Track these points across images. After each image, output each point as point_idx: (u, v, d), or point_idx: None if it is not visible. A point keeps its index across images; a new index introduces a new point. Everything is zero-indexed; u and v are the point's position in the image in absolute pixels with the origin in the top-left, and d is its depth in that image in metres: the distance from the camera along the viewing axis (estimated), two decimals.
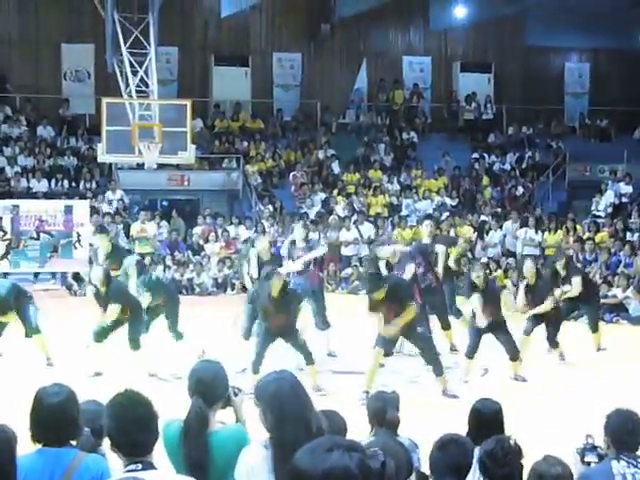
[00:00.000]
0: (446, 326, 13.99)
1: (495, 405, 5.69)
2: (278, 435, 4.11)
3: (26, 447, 4.39)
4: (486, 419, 5.55)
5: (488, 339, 12.36)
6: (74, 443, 4.49)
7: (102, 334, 12.40)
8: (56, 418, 4.32)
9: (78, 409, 4.47)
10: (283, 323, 11.37)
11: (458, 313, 14.42)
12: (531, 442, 5.28)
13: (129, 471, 3.92)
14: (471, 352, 12.27)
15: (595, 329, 14.86)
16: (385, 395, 6.08)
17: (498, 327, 12.24)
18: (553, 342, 13.58)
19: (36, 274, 21.77)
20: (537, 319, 13.38)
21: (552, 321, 13.41)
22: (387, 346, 11.46)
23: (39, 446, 4.36)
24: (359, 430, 5.75)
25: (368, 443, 3.71)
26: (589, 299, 14.83)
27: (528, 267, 13.34)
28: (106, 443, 4.31)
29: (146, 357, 12.40)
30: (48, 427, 4.33)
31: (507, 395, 9.33)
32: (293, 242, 14.00)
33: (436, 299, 13.72)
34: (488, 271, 21.19)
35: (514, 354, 12.29)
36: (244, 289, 14.98)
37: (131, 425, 3.99)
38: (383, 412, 5.86)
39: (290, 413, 4.08)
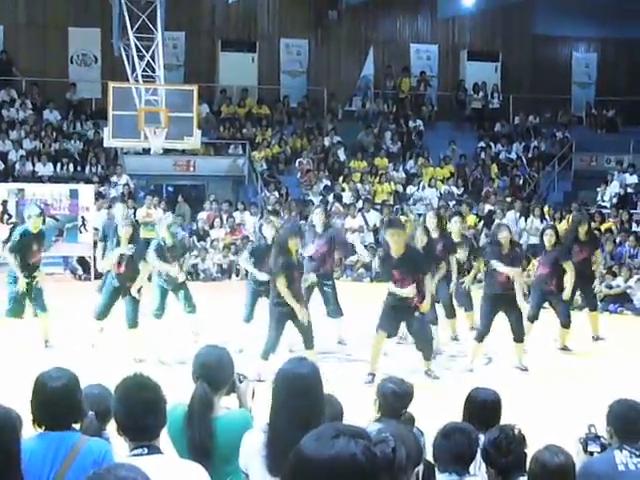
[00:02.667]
0: (451, 315, 14.01)
1: (491, 394, 5.67)
2: (273, 421, 4.15)
3: (29, 431, 4.41)
4: (480, 407, 5.55)
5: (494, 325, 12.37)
6: (77, 427, 4.50)
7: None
8: (58, 402, 4.33)
9: (80, 393, 4.49)
10: (299, 291, 11.30)
11: (469, 305, 14.41)
12: (534, 431, 5.28)
13: (135, 455, 3.94)
14: (481, 335, 12.28)
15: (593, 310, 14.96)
16: (405, 387, 6.00)
17: (512, 301, 12.23)
18: (567, 320, 13.63)
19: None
20: (540, 302, 13.52)
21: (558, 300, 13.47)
22: (390, 328, 11.52)
23: (41, 430, 4.37)
24: (365, 417, 5.77)
25: (379, 429, 3.71)
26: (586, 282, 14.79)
27: (504, 235, 13.36)
28: (112, 426, 4.33)
29: (140, 339, 12.48)
30: (50, 411, 4.34)
31: (510, 384, 9.37)
32: (312, 226, 13.91)
33: (441, 288, 13.71)
34: None
35: (520, 335, 12.31)
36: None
37: (138, 409, 4.00)
38: (401, 408, 5.84)
39: (292, 403, 4.10)
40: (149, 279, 13.18)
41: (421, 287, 11.33)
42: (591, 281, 15.12)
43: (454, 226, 14.51)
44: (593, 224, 22.26)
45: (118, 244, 12.66)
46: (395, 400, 5.84)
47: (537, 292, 13.82)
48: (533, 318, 13.52)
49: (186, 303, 13.36)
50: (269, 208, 22.48)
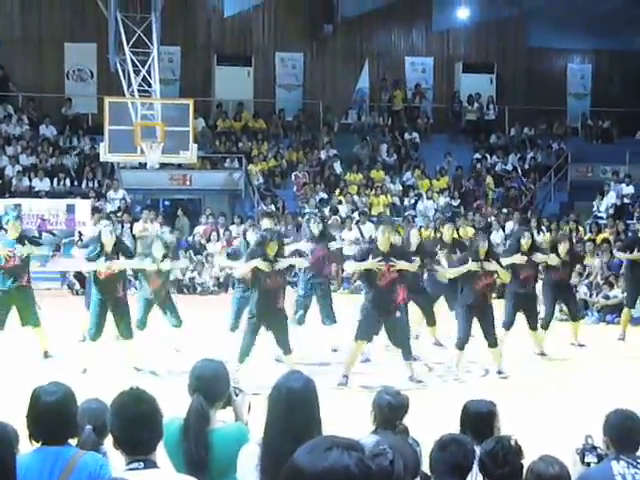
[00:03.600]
0: (431, 322, 14.18)
1: (486, 406, 5.67)
2: (267, 434, 4.15)
3: (26, 446, 4.41)
4: (475, 418, 5.54)
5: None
6: (74, 442, 4.50)
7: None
8: (53, 417, 4.33)
9: (76, 408, 4.49)
10: (277, 286, 11.36)
11: None
12: (530, 442, 5.28)
13: (131, 469, 3.94)
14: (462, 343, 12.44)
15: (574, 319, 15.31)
16: (401, 399, 6.01)
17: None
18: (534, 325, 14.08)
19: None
20: (515, 309, 13.86)
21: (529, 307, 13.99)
22: (370, 335, 11.86)
23: (37, 445, 4.37)
24: (360, 428, 5.77)
25: (377, 441, 3.71)
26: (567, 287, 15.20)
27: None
28: (109, 441, 4.33)
29: (136, 349, 12.48)
30: (46, 426, 4.34)
31: (506, 395, 9.36)
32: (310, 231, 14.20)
33: (422, 296, 13.88)
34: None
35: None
36: None
37: (134, 423, 4.00)
38: (396, 419, 5.85)
39: (286, 417, 4.10)
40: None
41: (404, 281, 11.88)
42: (571, 293, 15.62)
43: (446, 232, 14.77)
44: (589, 235, 22.40)
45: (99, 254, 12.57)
46: (390, 412, 5.84)
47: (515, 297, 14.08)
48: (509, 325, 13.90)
49: (172, 317, 13.29)
50: (262, 210, 22.47)
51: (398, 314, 11.69)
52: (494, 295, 13.43)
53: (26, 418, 4.36)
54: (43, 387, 4.45)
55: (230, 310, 13.25)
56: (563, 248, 14.76)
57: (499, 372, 12.58)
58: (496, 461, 4.61)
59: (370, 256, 11.71)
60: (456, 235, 15.31)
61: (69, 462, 4.26)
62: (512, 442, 4.70)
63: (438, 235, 14.85)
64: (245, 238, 13.44)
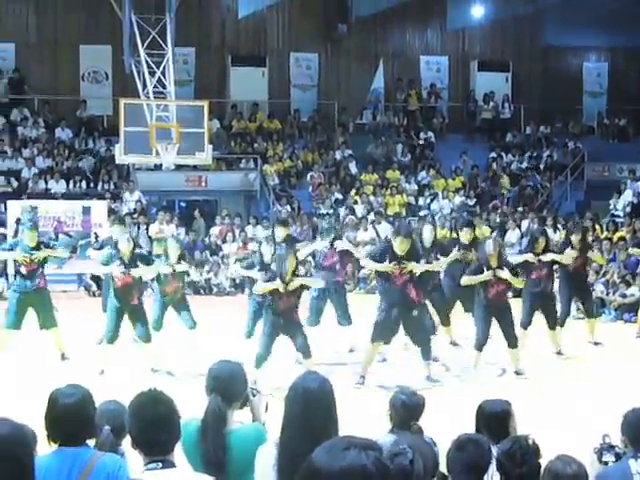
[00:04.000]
0: (446, 322, 14.21)
1: (500, 405, 5.66)
2: (284, 435, 4.16)
3: (44, 447, 4.43)
4: (490, 419, 5.53)
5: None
6: (92, 443, 4.52)
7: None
8: (71, 419, 4.35)
9: (94, 409, 4.51)
10: (290, 305, 11.39)
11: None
12: (547, 441, 5.27)
13: (149, 470, 3.96)
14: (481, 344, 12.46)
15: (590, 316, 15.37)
16: (416, 400, 6.02)
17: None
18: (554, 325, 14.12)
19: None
20: (532, 309, 13.88)
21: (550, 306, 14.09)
22: (387, 336, 11.95)
23: (55, 446, 4.39)
24: (378, 428, 5.77)
25: (394, 441, 3.71)
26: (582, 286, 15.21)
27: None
28: (127, 442, 4.34)
29: (153, 351, 12.53)
30: (64, 428, 4.36)
31: (523, 395, 9.34)
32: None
33: (437, 294, 13.94)
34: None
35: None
36: None
37: (152, 424, 4.02)
38: (410, 419, 5.85)
39: (303, 417, 4.11)
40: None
41: (418, 282, 11.91)
42: (587, 288, 15.56)
43: (464, 236, 14.69)
44: (606, 233, 22.35)
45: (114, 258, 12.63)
46: (404, 412, 5.85)
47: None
48: (527, 324, 13.92)
49: (187, 319, 13.32)
50: (277, 217, 22.50)
51: (415, 313, 11.72)
52: (510, 294, 13.38)
53: (44, 420, 4.38)
54: (61, 389, 4.47)
55: (247, 316, 13.26)
56: (575, 238, 14.86)
57: (517, 372, 12.56)
58: (514, 461, 4.60)
59: (386, 257, 11.74)
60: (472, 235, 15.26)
61: (87, 463, 4.28)
62: (529, 442, 4.69)
63: (455, 235, 14.79)
64: (260, 249, 13.44)
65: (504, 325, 12.45)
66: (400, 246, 11.64)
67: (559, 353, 14.09)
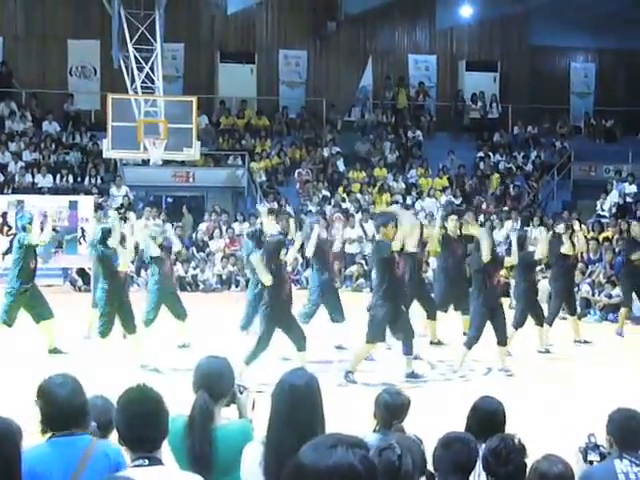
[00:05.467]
0: (432, 316, 14.25)
1: (496, 404, 5.67)
2: (271, 432, 4.16)
3: (35, 439, 4.42)
4: (485, 417, 5.54)
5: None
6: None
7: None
8: (66, 407, 4.35)
9: (85, 398, 4.50)
10: (290, 294, 11.51)
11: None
12: (533, 441, 5.28)
13: (136, 466, 3.95)
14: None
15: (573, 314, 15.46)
16: (400, 399, 6.03)
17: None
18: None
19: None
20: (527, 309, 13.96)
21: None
22: (383, 335, 11.89)
23: (48, 436, 4.38)
24: (364, 426, 5.78)
25: (385, 437, 3.72)
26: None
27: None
28: (113, 437, 4.34)
29: (142, 346, 12.55)
30: (59, 417, 4.35)
31: (509, 393, 9.36)
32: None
33: (424, 288, 14.17)
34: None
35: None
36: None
37: (140, 420, 4.01)
38: (392, 419, 5.86)
39: (289, 414, 4.10)
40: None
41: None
42: (573, 287, 15.67)
43: (450, 224, 14.73)
44: (592, 233, 22.41)
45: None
46: (387, 412, 5.87)
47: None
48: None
49: (177, 310, 13.46)
50: (266, 207, 22.48)
51: (404, 307, 11.86)
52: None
53: (39, 411, 4.36)
54: (51, 379, 4.46)
55: (245, 307, 13.33)
56: (565, 238, 14.94)
57: (504, 370, 12.58)
58: (500, 459, 4.61)
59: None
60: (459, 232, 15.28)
61: (86, 451, 4.28)
62: (516, 441, 4.70)
63: (443, 231, 14.74)
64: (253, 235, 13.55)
65: (497, 323, 12.45)
66: (399, 235, 11.57)
67: (546, 351, 14.14)
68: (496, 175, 28.46)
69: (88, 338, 13.84)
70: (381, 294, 11.67)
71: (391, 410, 5.90)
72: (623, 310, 16.57)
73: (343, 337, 13.74)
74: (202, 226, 24.41)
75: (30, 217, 13.83)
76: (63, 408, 4.35)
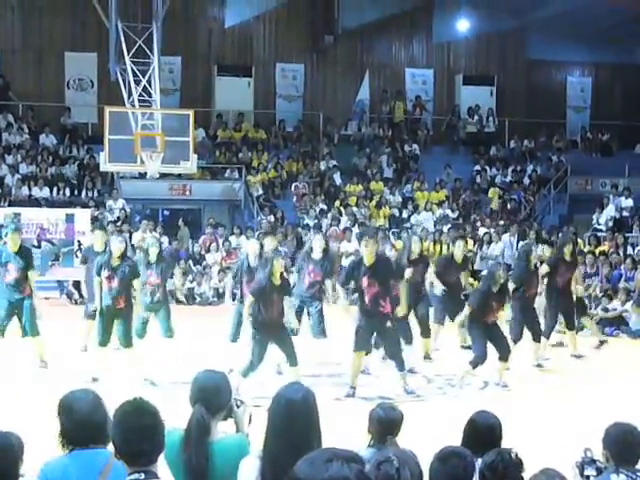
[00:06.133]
0: (426, 333, 14.20)
1: (492, 418, 5.66)
2: (267, 446, 4.14)
3: (55, 452, 4.41)
4: (482, 432, 5.52)
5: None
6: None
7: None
8: (88, 422, 4.33)
9: (106, 412, 4.48)
10: (279, 312, 11.42)
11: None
12: (530, 455, 5.27)
13: None
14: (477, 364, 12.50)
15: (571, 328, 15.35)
16: (393, 414, 6.03)
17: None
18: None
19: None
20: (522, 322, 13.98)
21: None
22: (367, 345, 11.94)
23: (66, 451, 4.36)
24: (359, 441, 5.77)
25: (383, 451, 3.71)
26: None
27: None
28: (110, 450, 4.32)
29: (141, 357, 12.51)
30: (80, 431, 4.33)
31: (505, 408, 9.34)
32: (308, 253, 13.66)
33: (422, 305, 14.05)
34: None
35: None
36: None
37: (136, 434, 3.99)
38: (386, 434, 5.87)
39: (286, 428, 4.09)
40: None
41: (389, 293, 11.78)
42: (571, 301, 15.42)
43: (457, 249, 14.81)
44: (588, 247, 22.42)
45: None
46: (380, 426, 5.87)
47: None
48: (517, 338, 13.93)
49: (165, 327, 13.34)
50: (263, 229, 22.54)
51: (389, 324, 11.72)
52: None
53: (60, 426, 4.34)
54: (73, 394, 4.45)
55: (231, 320, 13.25)
56: (568, 250, 14.92)
57: (501, 384, 12.57)
58: (496, 474, 4.60)
59: (356, 271, 11.81)
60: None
61: (106, 465, 4.26)
62: (513, 455, 4.69)
63: (450, 250, 14.86)
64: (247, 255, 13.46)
65: (498, 338, 12.45)
66: (367, 254, 11.59)
67: (539, 366, 14.14)
68: (494, 190, 28.48)
69: (84, 350, 13.85)
70: (359, 312, 11.85)
71: (385, 425, 5.91)
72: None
73: (327, 353, 13.66)
74: (201, 240, 24.35)
75: (13, 228, 13.75)
76: (84, 423, 4.33)
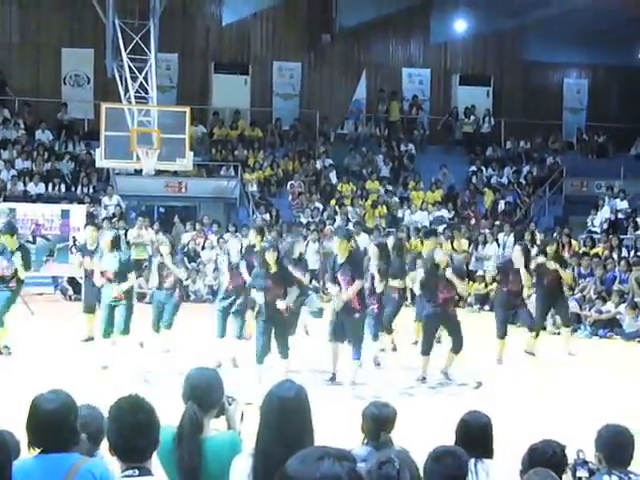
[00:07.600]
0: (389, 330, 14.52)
1: (484, 418, 5.66)
2: (259, 443, 4.14)
3: (25, 453, 4.39)
4: (474, 431, 5.53)
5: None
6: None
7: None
8: (53, 425, 4.29)
9: (76, 416, 4.45)
10: (280, 296, 11.62)
11: None
12: (522, 455, 5.28)
13: (126, 476, 3.93)
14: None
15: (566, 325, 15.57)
16: (386, 412, 6.05)
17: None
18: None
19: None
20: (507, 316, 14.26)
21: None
22: (340, 335, 12.33)
23: (36, 452, 4.34)
24: (351, 439, 5.77)
25: (384, 451, 3.72)
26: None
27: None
28: (105, 447, 4.31)
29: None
30: (45, 434, 4.30)
31: (497, 409, 9.34)
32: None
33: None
34: (484, 284, 21.29)
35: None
36: None
37: (131, 430, 3.98)
38: (379, 431, 5.87)
39: (278, 426, 4.09)
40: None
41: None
42: (564, 300, 15.65)
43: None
44: (584, 249, 22.43)
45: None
46: (374, 423, 5.88)
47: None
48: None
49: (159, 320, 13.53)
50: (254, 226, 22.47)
51: (357, 315, 12.05)
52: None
53: (26, 426, 4.32)
54: (43, 395, 4.40)
55: (216, 317, 13.37)
56: (550, 249, 15.08)
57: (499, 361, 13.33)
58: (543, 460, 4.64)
59: (332, 267, 12.31)
60: (450, 247, 15.35)
61: (71, 469, 4.23)
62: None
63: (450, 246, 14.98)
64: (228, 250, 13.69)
65: (452, 328, 12.87)
66: (340, 251, 12.09)
67: (531, 353, 14.19)
68: (490, 191, 28.49)
69: (86, 341, 14.06)
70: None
71: (378, 422, 5.91)
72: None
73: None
74: (187, 236, 24.11)
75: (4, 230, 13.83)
76: (49, 425, 4.29)
